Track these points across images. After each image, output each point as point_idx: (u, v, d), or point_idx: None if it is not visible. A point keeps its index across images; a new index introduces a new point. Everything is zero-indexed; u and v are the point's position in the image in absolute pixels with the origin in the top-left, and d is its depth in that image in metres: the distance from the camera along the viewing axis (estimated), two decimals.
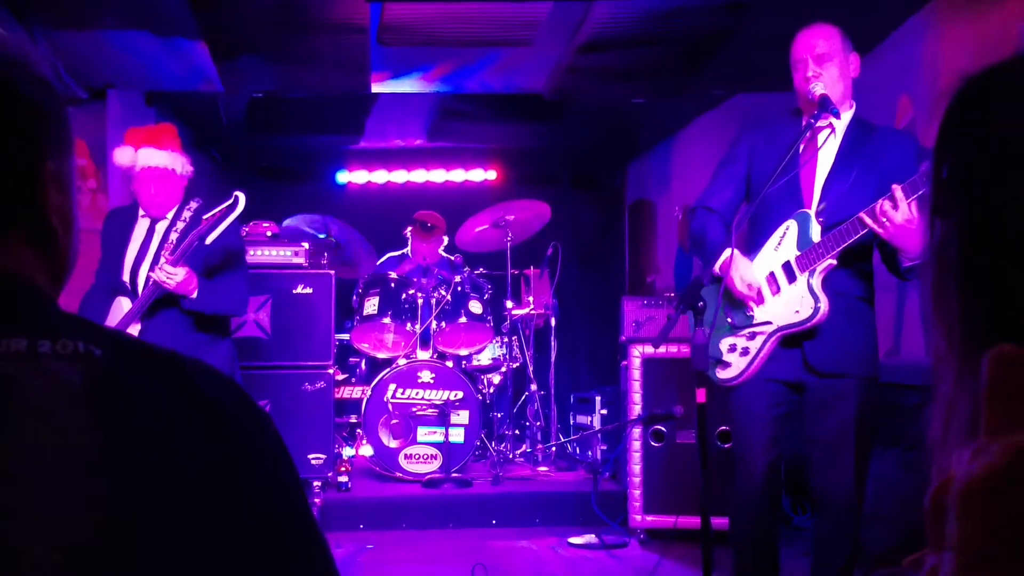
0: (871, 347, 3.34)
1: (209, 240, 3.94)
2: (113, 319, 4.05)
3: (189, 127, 7.49)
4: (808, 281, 3.24)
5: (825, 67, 3.26)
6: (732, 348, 3.37)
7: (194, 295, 4.01)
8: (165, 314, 4.06)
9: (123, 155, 4.12)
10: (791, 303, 3.27)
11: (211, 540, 0.86)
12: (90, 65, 5.60)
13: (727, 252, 3.32)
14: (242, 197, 3.96)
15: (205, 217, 3.93)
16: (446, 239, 7.00)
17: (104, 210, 6.03)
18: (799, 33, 3.33)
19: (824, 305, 3.21)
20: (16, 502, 0.79)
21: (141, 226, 4.23)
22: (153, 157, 4.10)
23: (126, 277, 4.13)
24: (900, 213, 2.97)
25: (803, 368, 3.28)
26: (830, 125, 3.33)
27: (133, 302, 4.06)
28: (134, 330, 4.02)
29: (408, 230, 7.08)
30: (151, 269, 4.03)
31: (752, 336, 3.33)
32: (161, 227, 4.18)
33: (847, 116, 3.34)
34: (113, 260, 4.21)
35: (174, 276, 3.90)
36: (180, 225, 4.06)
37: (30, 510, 0.79)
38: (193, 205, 4.10)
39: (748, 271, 3.33)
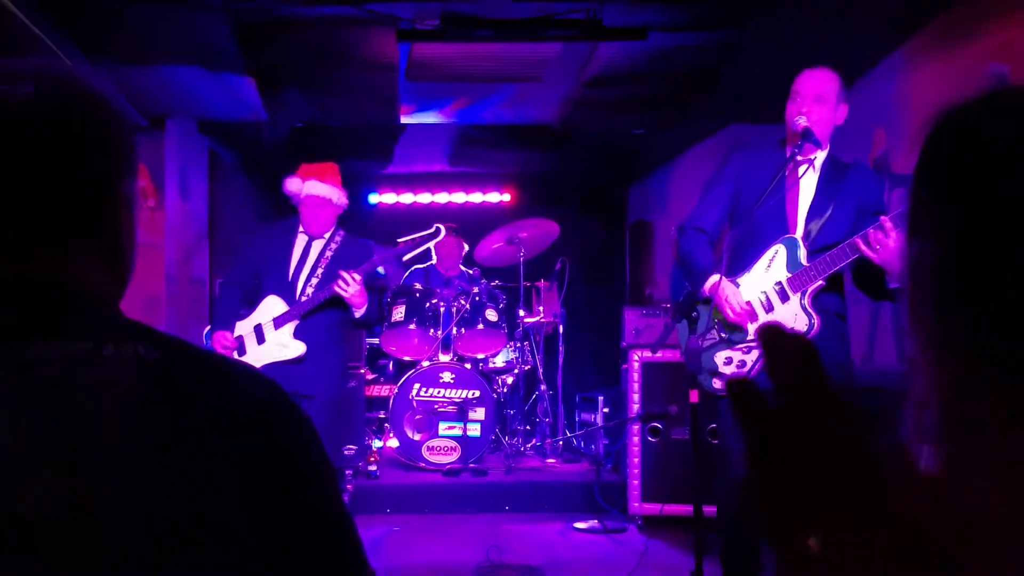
0: (846, 357, 3.35)
1: (405, 258, 4.28)
2: (267, 314, 4.38)
3: (237, 152, 7.53)
4: (801, 301, 3.23)
5: (817, 107, 3.25)
6: (728, 361, 3.33)
7: (363, 308, 4.31)
8: (316, 316, 4.35)
9: (292, 184, 4.47)
10: (786, 320, 3.23)
11: (254, 520, 0.86)
12: (149, 97, 5.64)
13: (715, 277, 3.29)
14: (443, 229, 4.30)
15: (401, 241, 4.25)
16: (467, 246, 7.03)
17: (161, 226, 6.06)
18: (807, 70, 3.30)
19: (816, 322, 3.20)
20: (80, 486, 0.79)
21: (300, 241, 4.50)
22: (315, 187, 4.42)
23: (288, 280, 4.43)
24: (892, 240, 2.96)
25: None
26: (809, 160, 3.32)
27: (288, 302, 4.37)
28: (291, 326, 4.34)
29: (433, 243, 7.07)
30: (307, 279, 4.39)
31: (748, 350, 3.30)
32: (317, 244, 4.48)
33: (822, 154, 3.33)
34: (268, 264, 4.51)
35: (354, 287, 4.20)
36: (333, 246, 4.45)
37: (93, 493, 0.79)
38: (341, 233, 4.51)
39: (736, 296, 3.29)
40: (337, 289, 4.22)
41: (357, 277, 4.21)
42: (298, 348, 4.31)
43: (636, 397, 5.17)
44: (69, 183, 0.94)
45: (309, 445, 0.96)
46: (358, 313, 4.34)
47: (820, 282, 3.20)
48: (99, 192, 0.97)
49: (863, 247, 3.04)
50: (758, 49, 4.82)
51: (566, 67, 5.31)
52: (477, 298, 6.22)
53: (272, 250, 4.55)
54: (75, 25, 4.53)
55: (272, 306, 4.40)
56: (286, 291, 4.41)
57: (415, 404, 5.99)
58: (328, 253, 4.44)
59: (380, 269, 4.36)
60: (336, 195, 4.49)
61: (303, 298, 4.37)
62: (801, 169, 3.32)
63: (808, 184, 3.32)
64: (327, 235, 4.51)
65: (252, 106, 5.91)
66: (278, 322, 4.34)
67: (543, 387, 6.63)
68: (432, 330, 6.15)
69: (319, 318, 4.37)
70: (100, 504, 0.79)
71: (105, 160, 0.97)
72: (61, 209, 0.94)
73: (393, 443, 6.25)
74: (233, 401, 0.90)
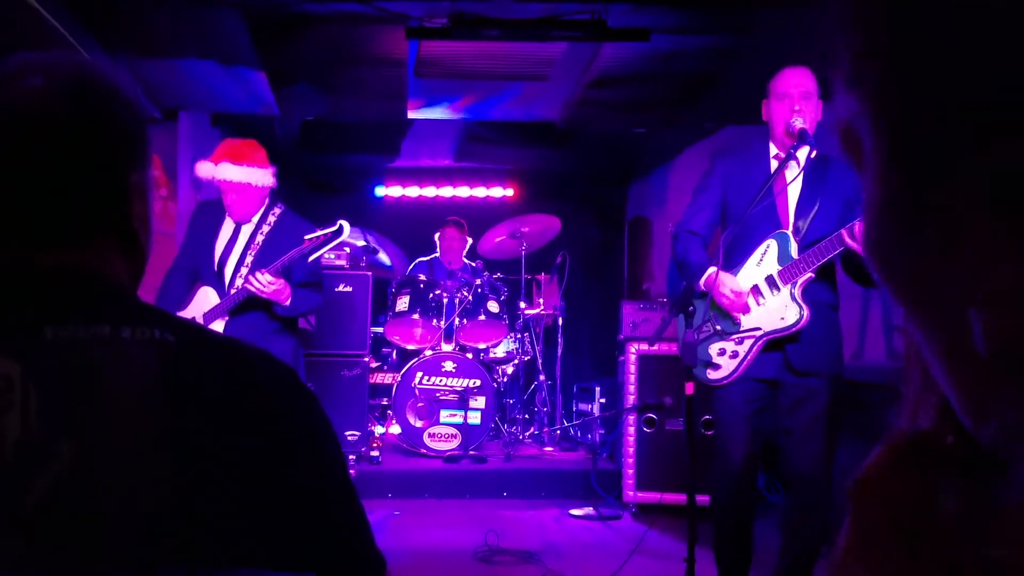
0: (839, 348, 3.34)
1: (310, 259, 3.87)
2: (199, 307, 3.95)
3: None
4: (791, 292, 3.24)
5: (807, 105, 3.25)
6: (722, 352, 3.35)
7: (287, 303, 3.86)
8: (247, 309, 3.93)
9: (203, 169, 3.93)
10: (776, 311, 3.26)
11: (270, 502, 0.86)
12: (164, 89, 5.63)
13: (711, 269, 3.30)
14: (346, 226, 3.83)
15: (308, 238, 3.78)
16: (470, 240, 7.04)
17: (174, 215, 6.06)
18: (787, 70, 3.28)
19: (806, 312, 3.21)
20: (97, 467, 0.79)
21: (228, 225, 4.02)
22: (229, 171, 3.87)
23: (215, 269, 3.98)
24: None
25: (783, 368, 3.28)
26: (796, 158, 3.31)
27: (220, 294, 3.95)
28: (220, 323, 3.91)
29: (438, 234, 7.12)
30: (236, 269, 3.93)
31: (740, 341, 3.31)
32: (246, 229, 4.00)
33: (806, 151, 3.32)
34: (199, 249, 4.04)
35: (271, 286, 3.76)
36: (266, 228, 3.96)
37: (110, 475, 0.79)
38: (277, 211, 4.00)
39: (734, 282, 3.31)
40: (251, 288, 3.78)
41: (268, 278, 3.75)
42: None
43: (632, 388, 5.18)
44: (81, 172, 0.94)
45: (324, 430, 0.96)
46: (281, 309, 3.89)
47: (809, 274, 3.21)
48: (111, 181, 0.97)
49: (848, 239, 3.06)
50: (757, 53, 4.81)
51: (571, 67, 5.31)
52: (479, 290, 6.22)
53: (202, 235, 4.06)
54: (94, 19, 4.53)
55: (205, 299, 3.97)
56: (216, 282, 3.97)
57: (417, 392, 6.00)
58: (259, 237, 3.94)
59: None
60: (257, 176, 3.91)
61: (232, 291, 3.93)
62: (790, 167, 3.32)
63: (796, 181, 3.32)
64: (255, 219, 3.99)
65: (264, 100, 5.91)
66: (208, 317, 3.90)
67: (542, 377, 6.64)
68: (435, 320, 6.16)
69: (250, 314, 3.93)
70: (118, 483, 0.79)
71: (116, 149, 0.97)
72: (75, 198, 0.94)
73: (395, 429, 6.26)
74: (249, 384, 0.90)
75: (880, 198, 0.41)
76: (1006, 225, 0.35)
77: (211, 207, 4.14)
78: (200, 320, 3.86)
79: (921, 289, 0.40)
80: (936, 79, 0.37)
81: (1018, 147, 0.35)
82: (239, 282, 3.89)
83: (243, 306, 3.91)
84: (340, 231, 3.80)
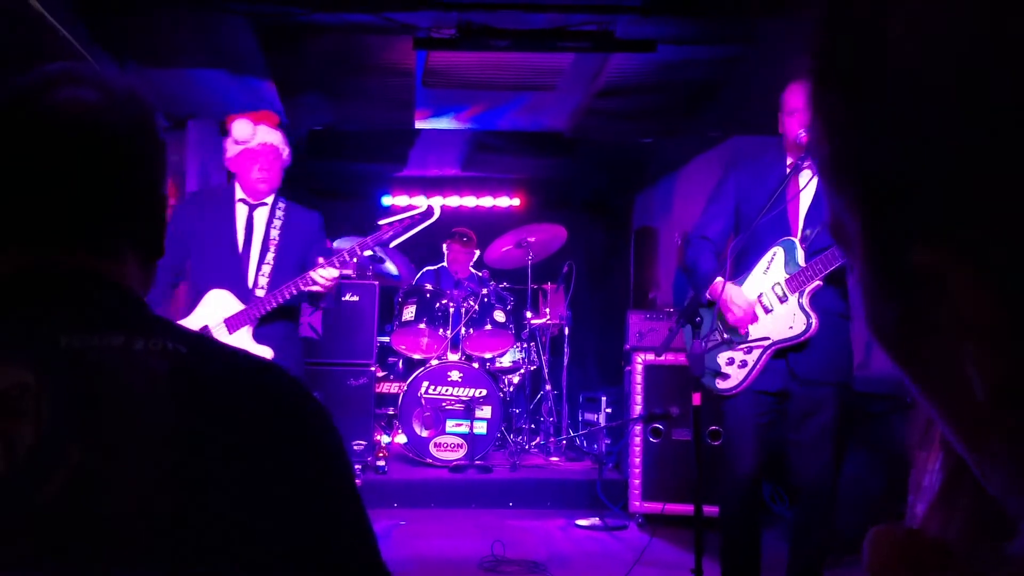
0: (848, 358, 3.33)
1: (393, 244, 3.59)
2: (215, 313, 3.44)
3: None
4: (799, 301, 3.24)
5: None
6: (731, 361, 3.35)
7: (332, 294, 3.51)
8: (274, 314, 3.50)
9: (243, 128, 3.50)
10: (784, 320, 3.26)
11: (279, 513, 0.86)
12: (174, 98, 5.66)
13: (718, 280, 3.31)
14: (437, 208, 3.49)
15: (385, 222, 3.46)
16: (477, 252, 7.04)
17: None
18: (798, 85, 3.28)
19: (814, 321, 3.21)
20: (107, 473, 0.80)
21: (241, 213, 3.55)
22: (270, 135, 3.54)
23: (237, 265, 3.51)
24: None
25: (788, 377, 3.27)
26: (809, 166, 3.32)
27: (241, 296, 3.46)
28: (246, 330, 3.44)
29: (445, 245, 7.11)
30: (258, 267, 3.49)
31: (749, 350, 3.31)
32: (260, 216, 3.55)
33: None
34: (201, 247, 3.52)
35: (331, 283, 3.38)
36: (277, 223, 3.54)
37: (119, 480, 0.80)
38: (282, 205, 3.63)
39: (741, 297, 3.31)
40: (311, 288, 3.38)
41: (333, 272, 3.35)
42: (264, 354, 3.01)
43: (639, 398, 5.17)
44: (127, 183, 0.97)
45: (334, 442, 0.96)
46: (327, 303, 3.58)
47: (817, 282, 3.21)
48: (150, 193, 1.01)
49: None
50: (762, 63, 4.82)
51: (578, 77, 5.32)
52: (486, 299, 6.23)
53: (206, 228, 3.52)
54: (104, 28, 4.56)
55: (220, 303, 3.43)
56: (233, 282, 3.45)
57: (423, 401, 6.00)
58: (274, 231, 3.51)
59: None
60: (286, 148, 3.59)
61: (258, 291, 3.45)
62: (802, 176, 3.33)
63: (808, 189, 3.33)
64: (270, 200, 3.57)
65: (273, 108, 5.93)
66: (232, 324, 3.39)
67: (548, 387, 6.63)
68: (441, 330, 6.16)
69: (278, 319, 3.52)
70: (127, 489, 0.80)
71: (157, 164, 1.02)
72: (117, 207, 0.97)
73: (401, 439, 6.26)
74: (261, 395, 0.91)
75: (869, 272, 0.43)
76: (992, 288, 0.38)
77: (206, 197, 3.70)
78: (221, 328, 3.43)
79: (916, 345, 0.42)
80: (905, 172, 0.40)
81: (987, 214, 0.37)
82: (263, 281, 3.48)
83: (270, 314, 3.48)
84: (429, 213, 3.51)
